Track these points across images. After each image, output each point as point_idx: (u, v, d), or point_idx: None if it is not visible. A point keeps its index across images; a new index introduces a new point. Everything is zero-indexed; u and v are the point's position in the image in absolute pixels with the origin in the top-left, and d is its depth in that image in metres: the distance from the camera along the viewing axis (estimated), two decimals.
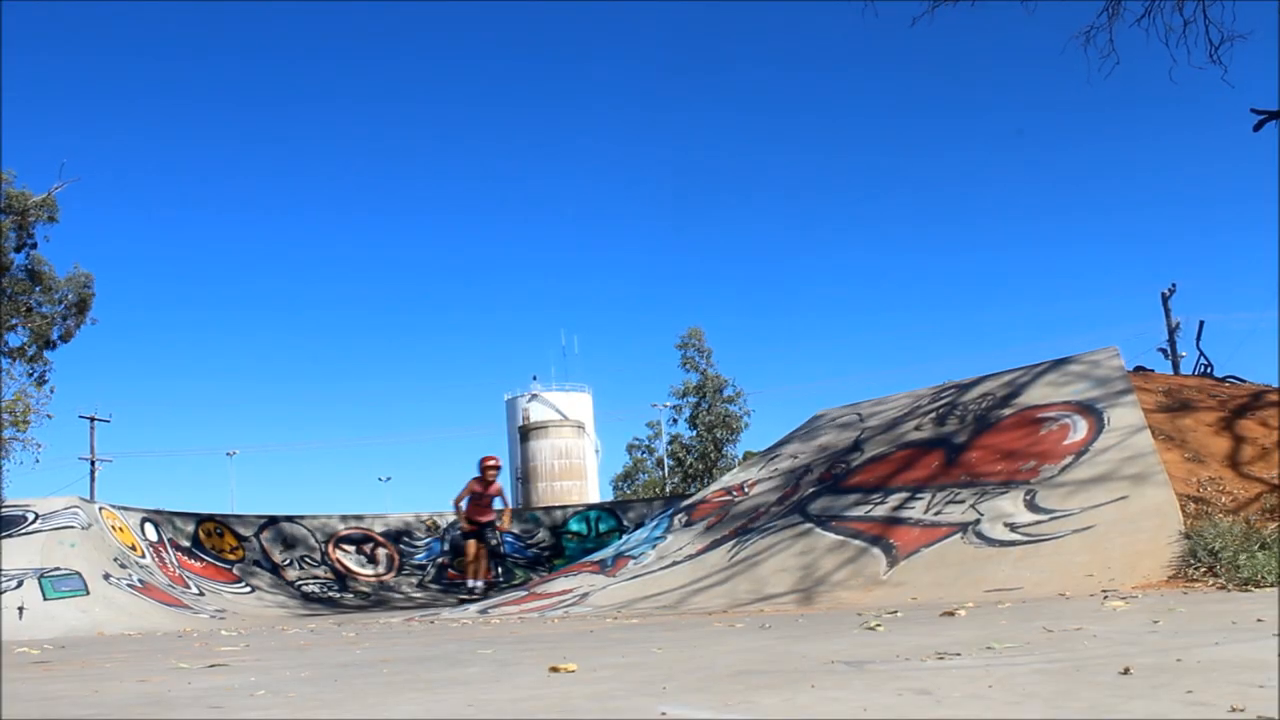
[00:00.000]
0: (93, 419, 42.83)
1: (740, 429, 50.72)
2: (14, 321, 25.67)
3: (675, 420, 52.58)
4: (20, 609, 9.45)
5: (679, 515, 9.78)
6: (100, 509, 12.59)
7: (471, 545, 11.10)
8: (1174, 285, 32.73)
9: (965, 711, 1.62)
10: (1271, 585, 4.50)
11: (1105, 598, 4.43)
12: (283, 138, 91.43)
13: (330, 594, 14.76)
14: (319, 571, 15.29)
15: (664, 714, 1.74)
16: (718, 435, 50.33)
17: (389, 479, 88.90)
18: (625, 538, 11.13)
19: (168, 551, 13.36)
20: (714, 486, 10.69)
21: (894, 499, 7.58)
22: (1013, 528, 6.26)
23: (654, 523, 10.29)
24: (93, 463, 42.84)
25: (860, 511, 7.69)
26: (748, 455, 31.44)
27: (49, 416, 25.60)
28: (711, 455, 50.28)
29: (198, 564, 13.83)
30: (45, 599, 9.78)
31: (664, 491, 47.65)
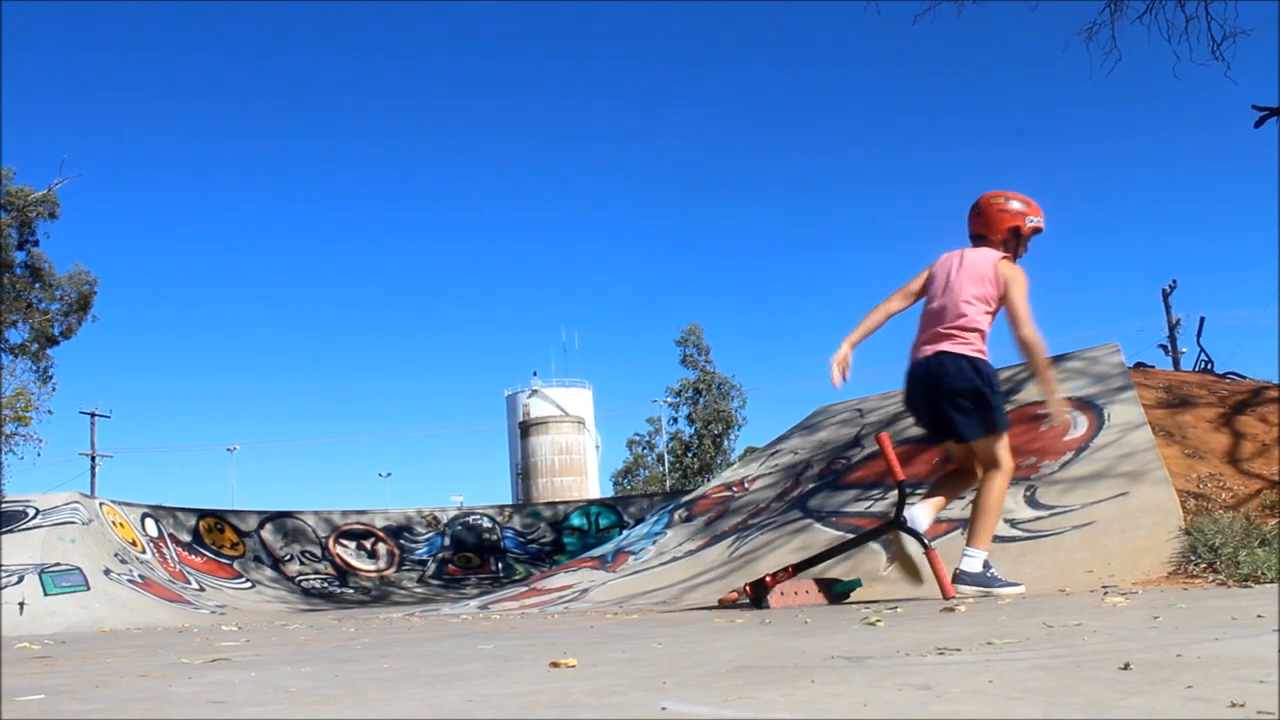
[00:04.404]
0: (93, 414, 42.82)
1: (735, 424, 50.93)
2: (14, 318, 25.67)
3: (674, 419, 52.69)
4: (21, 604, 9.47)
5: (679, 511, 9.79)
6: (101, 504, 12.60)
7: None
8: (1175, 281, 32.79)
9: (965, 706, 1.63)
10: (1271, 581, 4.51)
11: (1105, 594, 4.43)
12: (283, 134, 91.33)
13: (331, 589, 14.79)
14: (320, 566, 15.32)
15: (664, 709, 1.74)
16: (714, 430, 50.49)
17: (389, 475, 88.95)
18: (625, 533, 11.14)
19: (168, 547, 13.38)
20: (714, 482, 10.69)
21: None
22: (1013, 524, 6.25)
23: (654, 518, 10.30)
24: (93, 458, 42.83)
25: (860, 507, 7.69)
26: (748, 451, 31.43)
27: (49, 412, 25.69)
28: (709, 451, 50.39)
29: (198, 559, 13.85)
30: (46, 594, 9.80)
31: (664, 487, 47.68)
